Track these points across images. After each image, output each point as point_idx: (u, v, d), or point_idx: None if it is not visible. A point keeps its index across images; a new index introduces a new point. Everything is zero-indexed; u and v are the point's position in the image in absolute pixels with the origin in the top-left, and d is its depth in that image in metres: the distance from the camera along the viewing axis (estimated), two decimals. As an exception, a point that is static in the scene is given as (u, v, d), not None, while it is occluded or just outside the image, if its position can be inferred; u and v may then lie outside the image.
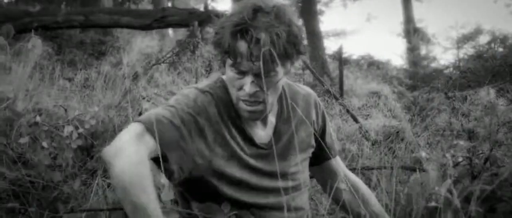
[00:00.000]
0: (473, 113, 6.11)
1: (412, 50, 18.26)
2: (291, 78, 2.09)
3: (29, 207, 2.99)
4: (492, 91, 6.01)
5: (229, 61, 1.82)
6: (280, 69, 1.83)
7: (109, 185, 3.17)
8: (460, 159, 3.17)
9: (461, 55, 17.13)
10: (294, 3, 17.34)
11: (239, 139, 1.95)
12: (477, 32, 17.79)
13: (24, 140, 3.37)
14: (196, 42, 7.63)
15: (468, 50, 17.33)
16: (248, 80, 1.82)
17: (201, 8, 12.43)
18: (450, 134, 5.34)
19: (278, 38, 1.74)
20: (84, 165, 3.64)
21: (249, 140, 1.98)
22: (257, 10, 1.77)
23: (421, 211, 1.90)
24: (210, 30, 8.22)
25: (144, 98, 3.87)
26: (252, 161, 1.96)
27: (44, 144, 3.39)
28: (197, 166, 1.84)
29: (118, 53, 8.81)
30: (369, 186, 2.52)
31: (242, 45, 1.75)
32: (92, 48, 11.02)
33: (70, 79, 6.54)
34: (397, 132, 5.59)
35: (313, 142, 2.20)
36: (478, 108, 6.02)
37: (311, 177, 2.31)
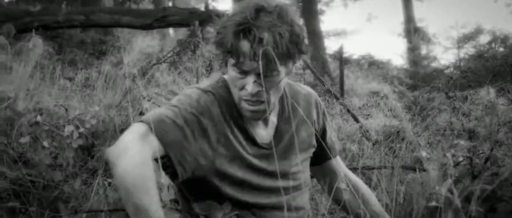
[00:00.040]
0: (473, 112, 6.11)
1: (412, 50, 18.26)
2: (291, 78, 2.09)
3: (29, 206, 2.99)
4: (492, 91, 6.02)
5: (231, 61, 1.82)
6: (282, 69, 1.83)
7: (109, 184, 3.18)
8: (460, 159, 3.17)
9: (461, 55, 17.14)
10: (294, 2, 17.34)
11: (241, 138, 1.95)
12: (478, 32, 17.79)
13: (24, 139, 3.37)
14: (197, 42, 7.63)
15: (468, 50, 17.34)
16: (250, 80, 1.81)
17: (202, 8, 12.41)
18: (451, 133, 5.34)
19: (281, 38, 1.74)
20: (84, 165, 3.65)
21: (251, 140, 1.98)
22: (259, 10, 1.77)
23: (421, 210, 1.91)
24: (210, 30, 8.21)
25: (144, 98, 3.87)
26: (254, 161, 1.96)
27: (45, 143, 3.39)
28: (200, 166, 1.84)
29: (119, 53, 8.82)
30: (370, 186, 2.52)
31: (245, 45, 1.75)
32: (93, 48, 11.02)
33: (70, 79, 6.54)
34: (398, 132, 5.59)
35: (314, 142, 2.20)
36: (479, 108, 6.02)
37: (311, 177, 2.31)
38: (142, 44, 9.68)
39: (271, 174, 1.96)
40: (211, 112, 1.88)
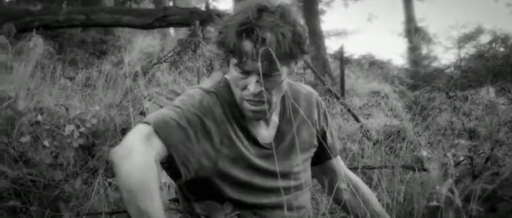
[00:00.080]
0: (474, 112, 6.11)
1: (413, 49, 18.30)
2: (292, 78, 2.09)
3: (30, 206, 2.99)
4: (493, 91, 6.02)
5: (233, 61, 1.82)
6: (284, 69, 1.83)
7: (110, 184, 3.18)
8: (461, 158, 3.18)
9: (462, 55, 17.17)
10: (295, 2, 17.35)
11: (243, 139, 1.95)
12: (478, 31, 17.81)
13: (25, 138, 3.38)
14: (198, 42, 7.63)
15: (469, 49, 17.36)
16: (252, 80, 1.81)
17: (203, 8, 12.43)
18: (451, 133, 5.34)
19: (284, 38, 1.74)
20: (85, 164, 3.65)
21: (253, 140, 1.98)
22: (262, 10, 1.77)
23: (422, 210, 1.91)
24: (211, 30, 8.21)
25: (145, 97, 3.86)
26: (257, 161, 1.96)
27: (46, 142, 3.39)
28: (203, 167, 1.84)
29: (120, 52, 8.83)
30: (370, 186, 2.52)
31: (247, 45, 1.75)
32: (93, 47, 11.02)
33: (71, 78, 6.54)
34: (398, 131, 5.59)
35: (315, 142, 2.20)
36: (479, 107, 6.03)
37: (312, 176, 2.31)
38: (143, 43, 9.69)
39: (273, 174, 1.95)
40: (214, 113, 1.87)
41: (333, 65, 16.14)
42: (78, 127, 3.64)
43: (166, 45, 10.82)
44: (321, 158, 2.30)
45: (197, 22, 8.41)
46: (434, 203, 1.85)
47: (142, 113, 3.70)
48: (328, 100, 7.12)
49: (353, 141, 5.21)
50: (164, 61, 7.90)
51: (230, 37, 1.77)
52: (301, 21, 1.85)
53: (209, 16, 8.92)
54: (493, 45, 16.34)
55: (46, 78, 5.44)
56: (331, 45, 28.09)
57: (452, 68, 16.52)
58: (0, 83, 4.02)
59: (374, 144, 5.01)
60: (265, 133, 2.02)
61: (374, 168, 3.89)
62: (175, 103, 1.88)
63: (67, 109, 4.08)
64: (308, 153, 2.19)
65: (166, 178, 1.97)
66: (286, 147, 2.07)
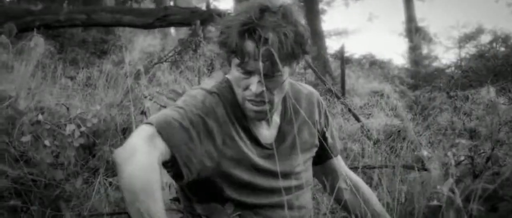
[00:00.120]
0: (474, 112, 6.11)
1: (413, 49, 18.27)
2: (293, 77, 2.09)
3: (31, 205, 2.99)
4: (493, 90, 6.02)
5: (235, 61, 1.82)
6: (286, 70, 1.84)
7: (111, 183, 3.18)
8: (462, 158, 3.17)
9: (462, 55, 17.15)
10: (296, 2, 17.34)
11: (246, 139, 1.95)
12: (479, 31, 17.79)
13: (26, 138, 3.38)
14: (198, 41, 7.62)
15: (469, 49, 17.34)
16: (254, 80, 1.81)
17: (203, 7, 12.40)
18: (452, 133, 5.34)
19: (286, 38, 1.74)
20: (86, 164, 3.65)
21: (255, 140, 1.98)
22: (264, 10, 1.76)
23: (423, 210, 1.91)
24: (212, 29, 8.22)
25: (146, 97, 3.86)
26: (259, 161, 1.96)
27: (46, 142, 3.39)
28: (205, 168, 1.84)
29: (120, 52, 8.82)
30: (371, 185, 2.52)
31: (250, 45, 1.75)
32: (94, 47, 11.01)
33: (72, 78, 6.54)
34: (399, 131, 5.59)
35: (316, 142, 2.20)
36: (480, 107, 6.03)
37: (313, 176, 2.31)
38: (144, 43, 9.69)
39: (275, 174, 1.95)
40: (216, 113, 1.87)
41: (334, 65, 16.14)
42: (79, 126, 3.64)
43: (166, 45, 10.82)
44: (322, 158, 2.30)
45: (198, 22, 8.40)
46: (435, 202, 1.85)
47: (143, 113, 3.70)
48: (329, 100, 7.13)
49: (354, 141, 5.22)
50: (165, 61, 7.90)
51: (232, 37, 1.77)
52: (303, 21, 1.85)
53: (209, 16, 8.91)
54: (494, 45, 16.33)
55: (47, 77, 5.44)
56: (331, 45, 28.18)
57: (453, 68, 16.50)
58: (1, 82, 4.02)
59: (374, 144, 5.01)
60: (267, 133, 2.02)
61: (374, 167, 3.89)
62: (178, 104, 1.88)
63: (68, 108, 4.08)
64: (309, 153, 2.19)
65: (167, 178, 1.97)
66: (287, 147, 2.07)
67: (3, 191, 3.02)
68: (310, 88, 2.27)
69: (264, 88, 1.80)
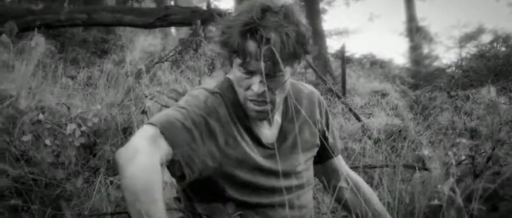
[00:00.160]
0: (475, 111, 6.12)
1: (414, 49, 18.29)
2: (294, 77, 2.09)
3: (31, 204, 2.99)
4: (494, 90, 6.02)
5: (237, 61, 1.82)
6: (288, 69, 1.83)
7: (111, 182, 3.18)
8: (462, 158, 3.17)
9: (463, 54, 17.14)
10: (297, 1, 17.31)
11: (248, 139, 1.96)
12: (480, 31, 17.81)
13: (27, 137, 3.37)
14: (199, 41, 7.63)
15: (470, 49, 17.33)
16: (256, 80, 1.81)
17: (204, 7, 12.38)
18: (453, 132, 5.34)
19: (288, 38, 1.74)
20: (86, 163, 3.65)
21: (257, 140, 1.98)
22: (265, 10, 1.76)
23: (423, 209, 1.91)
24: (212, 29, 8.22)
25: (146, 96, 3.86)
26: (261, 161, 1.97)
27: (47, 141, 3.39)
28: (207, 168, 1.84)
29: (121, 52, 8.83)
30: (372, 185, 2.52)
31: (251, 45, 1.75)
32: (95, 47, 11.01)
33: (73, 78, 6.55)
34: (400, 131, 5.59)
35: (317, 141, 2.20)
36: (481, 107, 6.03)
37: (313, 175, 2.32)
38: (144, 43, 9.69)
39: (276, 174, 1.95)
40: (218, 113, 1.88)
41: (334, 65, 16.11)
42: (79, 125, 3.64)
43: (167, 45, 10.81)
44: (322, 157, 2.30)
45: (199, 22, 8.40)
46: (436, 202, 1.85)
47: (144, 112, 3.70)
48: (330, 99, 7.13)
49: (355, 140, 5.22)
50: (166, 60, 7.90)
51: (234, 37, 1.77)
52: (305, 21, 1.85)
53: (210, 16, 8.91)
54: (494, 44, 16.32)
55: (47, 77, 5.44)
56: (332, 45, 28.15)
57: (454, 68, 16.48)
58: (1, 82, 4.02)
59: (375, 143, 5.01)
60: (268, 132, 2.03)
61: (375, 167, 3.89)
62: (180, 104, 1.88)
63: (68, 108, 4.08)
64: (310, 152, 2.19)
65: (168, 177, 1.97)
66: (288, 146, 2.07)
67: (4, 190, 3.02)
68: (311, 88, 2.27)
69: (266, 88, 1.80)
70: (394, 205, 2.06)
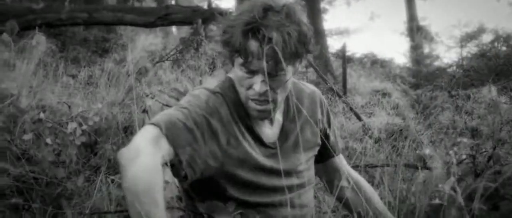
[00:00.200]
0: (476, 111, 6.12)
1: (415, 48, 18.24)
2: (294, 76, 2.09)
3: (32, 203, 2.99)
4: (494, 89, 6.02)
5: (239, 60, 1.82)
6: (289, 69, 1.83)
7: (112, 181, 3.18)
8: (463, 157, 3.17)
9: (464, 54, 17.10)
10: (298, 1, 17.33)
11: (250, 139, 1.96)
12: (480, 31, 17.75)
13: (28, 136, 3.38)
14: (200, 40, 7.63)
15: (471, 48, 17.29)
16: (258, 79, 1.81)
17: (205, 6, 12.38)
18: (454, 131, 5.34)
19: (290, 38, 1.74)
20: (87, 162, 3.65)
21: (258, 139, 1.98)
22: (267, 9, 1.76)
23: (424, 208, 1.91)
24: (213, 28, 8.22)
25: (147, 95, 3.87)
26: (262, 161, 1.97)
27: (48, 140, 3.39)
28: (209, 168, 1.84)
29: (122, 51, 8.82)
30: (373, 184, 2.52)
31: (253, 44, 1.75)
32: (96, 46, 11.01)
33: (73, 76, 6.54)
34: (401, 130, 5.59)
35: (318, 140, 2.20)
36: (481, 106, 6.03)
37: (314, 174, 2.32)
38: (145, 42, 9.67)
39: (277, 173, 1.95)
40: (220, 113, 1.88)
41: (335, 64, 16.12)
42: (80, 124, 3.64)
43: (168, 44, 10.81)
44: (324, 156, 2.30)
45: (200, 21, 8.40)
46: (437, 201, 1.85)
47: (145, 111, 3.70)
48: (330, 99, 7.12)
49: (356, 140, 5.22)
50: (167, 59, 7.90)
51: (235, 36, 1.77)
52: (306, 20, 1.85)
53: (211, 15, 8.91)
54: (495, 44, 16.31)
55: (48, 76, 5.44)
56: (333, 44, 28.17)
57: (454, 67, 16.47)
58: (2, 81, 4.02)
59: (376, 142, 5.01)
60: (269, 132, 2.03)
61: (376, 166, 3.89)
62: (181, 104, 1.88)
63: (69, 107, 4.08)
64: (311, 152, 2.19)
65: (169, 176, 1.97)
66: (290, 145, 2.07)
67: (5, 189, 3.03)
68: (312, 87, 2.28)
69: (268, 88, 1.80)
70: (395, 204, 2.07)
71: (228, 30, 1.81)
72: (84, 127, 3.63)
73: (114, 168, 3.45)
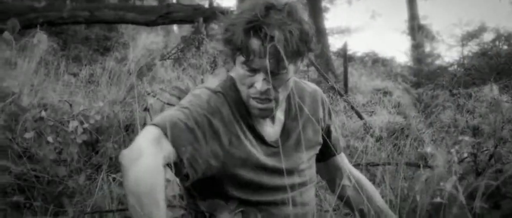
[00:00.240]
0: (477, 109, 6.11)
1: (416, 47, 18.24)
2: (296, 75, 2.09)
3: (34, 201, 3.00)
4: (496, 88, 6.02)
5: (240, 59, 1.82)
6: (291, 67, 1.83)
7: (114, 179, 3.18)
8: (465, 156, 3.17)
9: (465, 53, 17.08)
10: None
11: (251, 138, 1.95)
12: (482, 29, 17.72)
13: (29, 134, 3.38)
14: (201, 39, 7.64)
15: (472, 47, 17.27)
16: (259, 77, 1.81)
17: (206, 5, 12.42)
18: (455, 130, 5.34)
19: (291, 36, 1.74)
20: (89, 160, 3.65)
21: (260, 138, 1.98)
22: (269, 8, 1.76)
23: (426, 207, 1.91)
24: (215, 27, 8.23)
25: (149, 94, 3.87)
26: (264, 160, 1.96)
27: (49, 138, 3.40)
28: (211, 167, 1.83)
29: (123, 49, 8.82)
30: (374, 182, 2.53)
31: (255, 43, 1.75)
32: (97, 44, 11.01)
33: (75, 75, 6.55)
34: (402, 129, 5.59)
35: (320, 139, 2.20)
36: (483, 105, 6.02)
37: (316, 173, 2.32)
38: (146, 40, 9.67)
39: (279, 171, 1.95)
40: (221, 113, 1.87)
41: (336, 63, 16.11)
42: (81, 123, 3.64)
43: (169, 42, 10.81)
44: (325, 155, 2.30)
45: (201, 19, 8.41)
46: (438, 199, 1.85)
47: (146, 109, 3.71)
48: (332, 97, 7.12)
49: (357, 138, 5.22)
50: (168, 58, 7.90)
51: (237, 34, 1.76)
52: (308, 19, 1.85)
53: (212, 13, 8.92)
54: (496, 43, 16.28)
55: (50, 74, 5.45)
56: (334, 43, 28.09)
57: (456, 66, 16.45)
58: (4, 79, 4.03)
59: (377, 141, 5.01)
60: (271, 130, 2.03)
61: (378, 164, 3.89)
62: (183, 104, 1.88)
63: (70, 105, 4.09)
64: (313, 150, 2.19)
65: (170, 175, 1.97)
66: (291, 144, 2.07)
67: (7, 187, 3.03)
68: (314, 86, 2.28)
69: (270, 86, 1.80)
70: (396, 202, 2.07)
71: (229, 28, 1.81)
72: (86, 125, 3.64)
73: (116, 166, 3.45)
